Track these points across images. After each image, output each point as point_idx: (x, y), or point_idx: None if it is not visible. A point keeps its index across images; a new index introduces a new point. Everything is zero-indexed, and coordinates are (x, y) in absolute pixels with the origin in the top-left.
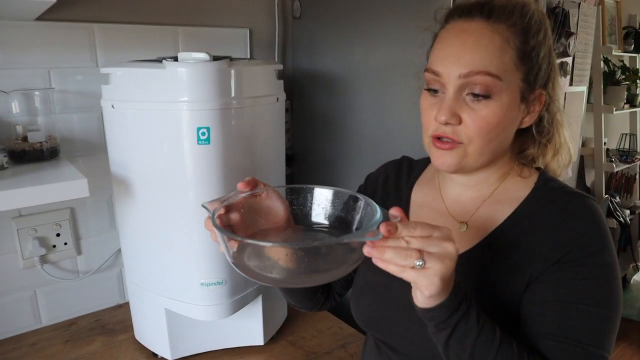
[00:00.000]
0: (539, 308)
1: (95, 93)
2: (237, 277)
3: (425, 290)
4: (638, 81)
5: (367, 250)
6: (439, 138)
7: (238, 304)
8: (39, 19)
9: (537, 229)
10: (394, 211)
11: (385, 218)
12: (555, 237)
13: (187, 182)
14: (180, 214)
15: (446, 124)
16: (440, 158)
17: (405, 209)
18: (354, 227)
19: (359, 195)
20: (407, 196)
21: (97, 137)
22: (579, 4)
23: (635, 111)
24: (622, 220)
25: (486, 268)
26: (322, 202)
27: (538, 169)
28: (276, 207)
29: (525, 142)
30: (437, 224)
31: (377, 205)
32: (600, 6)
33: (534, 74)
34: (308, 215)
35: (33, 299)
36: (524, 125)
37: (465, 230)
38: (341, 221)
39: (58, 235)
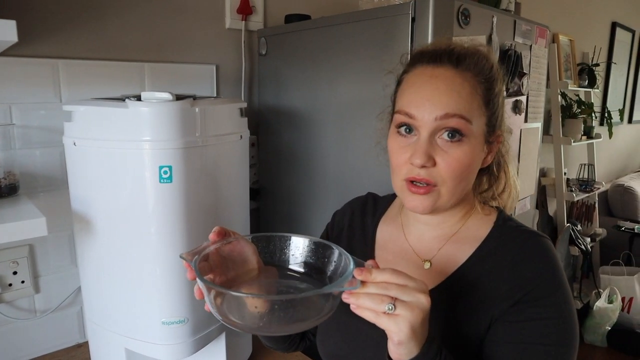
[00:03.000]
0: (500, 348)
1: (59, 128)
2: (200, 315)
3: (395, 336)
4: (593, 114)
5: (345, 297)
6: (412, 182)
7: (200, 342)
8: (1, 54)
9: (497, 268)
10: (371, 262)
11: (359, 266)
12: (514, 277)
13: (149, 220)
14: (141, 252)
15: (422, 166)
16: (415, 202)
17: (371, 248)
18: (328, 275)
19: (333, 245)
20: (372, 234)
21: (59, 173)
22: (530, 46)
23: (592, 142)
24: (584, 248)
25: (450, 307)
26: (295, 250)
27: (495, 207)
28: (247, 254)
29: (481, 181)
30: (402, 262)
31: (350, 256)
32: (556, 44)
33: (495, 118)
34: (282, 261)
35: None
36: (485, 165)
37: (428, 269)
38: (313, 268)
39: (15, 273)
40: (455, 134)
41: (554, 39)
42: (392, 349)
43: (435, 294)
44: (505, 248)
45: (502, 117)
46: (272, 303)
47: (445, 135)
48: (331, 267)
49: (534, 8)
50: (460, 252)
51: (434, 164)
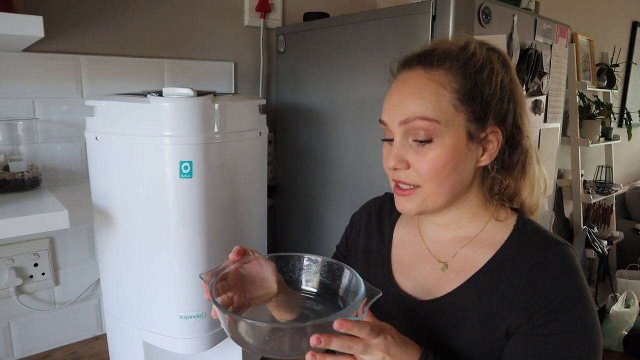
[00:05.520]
0: None
1: (80, 123)
2: None
3: None
4: (612, 115)
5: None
6: (398, 185)
7: (217, 337)
8: (26, 50)
9: (515, 275)
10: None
11: (369, 292)
12: (533, 286)
13: (168, 214)
14: (160, 246)
15: (395, 169)
16: (401, 203)
17: (388, 248)
18: (340, 295)
19: (345, 266)
20: (389, 235)
21: (80, 167)
22: (551, 45)
23: (610, 144)
24: (600, 251)
25: (465, 312)
26: (308, 270)
27: (515, 209)
28: (266, 272)
29: (496, 181)
30: (418, 263)
31: (361, 279)
32: (575, 44)
33: (481, 112)
34: (296, 281)
35: (6, 330)
36: (482, 163)
37: (444, 271)
38: (326, 288)
39: (36, 265)
40: (422, 137)
41: (573, 39)
42: None
43: (450, 297)
44: (525, 254)
45: (504, 109)
46: (280, 330)
47: (414, 138)
48: (343, 287)
49: (553, 7)
50: (478, 257)
51: (408, 166)
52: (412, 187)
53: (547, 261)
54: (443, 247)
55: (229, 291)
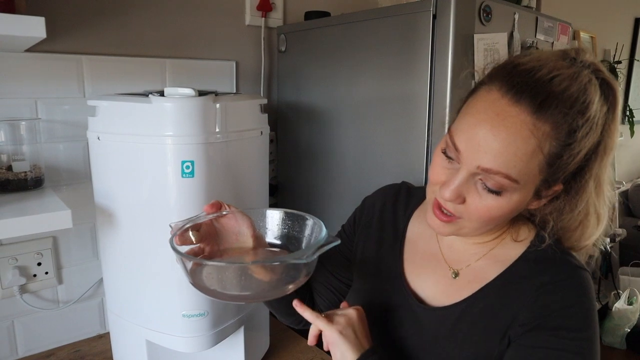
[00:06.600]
0: None
1: (82, 123)
2: (220, 308)
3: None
4: None
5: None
6: (439, 207)
7: (220, 336)
8: (28, 50)
9: (525, 293)
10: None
11: (327, 238)
12: (538, 305)
13: (170, 213)
14: (162, 245)
15: (449, 201)
16: (435, 224)
17: (400, 243)
18: (303, 245)
19: (307, 215)
20: (403, 229)
21: (82, 167)
22: (552, 43)
23: None
24: (603, 248)
25: (469, 324)
26: (272, 223)
27: (534, 223)
28: (242, 227)
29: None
30: (429, 265)
31: (322, 223)
32: (577, 41)
33: (558, 176)
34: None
35: (10, 329)
36: (530, 207)
37: (455, 279)
38: (289, 239)
39: (39, 264)
40: (494, 188)
41: (575, 36)
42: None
43: (458, 307)
44: (538, 274)
45: (579, 163)
46: (234, 270)
47: (483, 182)
48: (306, 236)
49: (554, 5)
50: (490, 270)
51: (463, 201)
52: (452, 216)
53: (558, 283)
54: (458, 255)
55: (202, 242)
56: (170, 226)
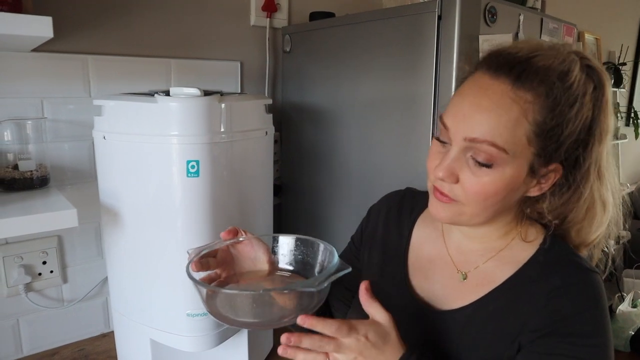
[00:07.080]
0: None
1: (87, 122)
2: None
3: None
4: (619, 114)
5: (300, 320)
6: (438, 189)
7: (224, 335)
8: (35, 50)
9: (535, 297)
10: (365, 284)
11: (339, 267)
12: (550, 310)
13: (175, 213)
14: (167, 244)
15: (442, 179)
16: (436, 208)
17: (406, 247)
18: (316, 271)
19: (318, 241)
20: (408, 234)
21: (88, 166)
22: None
23: (617, 143)
24: (607, 251)
25: (478, 328)
26: (284, 249)
27: (544, 225)
28: (258, 253)
29: (537, 206)
30: (436, 268)
31: (334, 249)
32: (582, 43)
33: (551, 151)
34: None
35: (15, 327)
36: (531, 194)
37: (463, 282)
38: (301, 264)
39: (44, 263)
40: (483, 161)
41: (579, 38)
42: None
43: (466, 311)
44: (548, 277)
45: (576, 144)
46: (250, 299)
47: (474, 157)
48: (318, 261)
49: (559, 6)
50: (499, 272)
51: (456, 181)
52: (453, 200)
53: (569, 287)
54: (466, 257)
55: (218, 267)
56: (188, 252)
